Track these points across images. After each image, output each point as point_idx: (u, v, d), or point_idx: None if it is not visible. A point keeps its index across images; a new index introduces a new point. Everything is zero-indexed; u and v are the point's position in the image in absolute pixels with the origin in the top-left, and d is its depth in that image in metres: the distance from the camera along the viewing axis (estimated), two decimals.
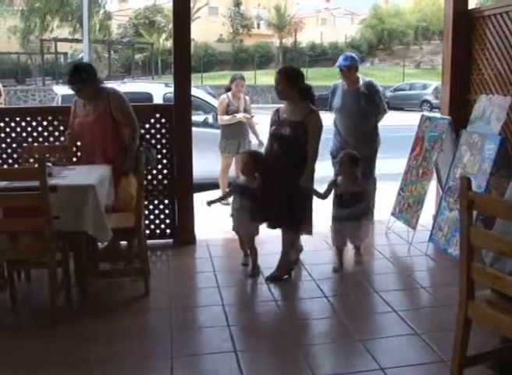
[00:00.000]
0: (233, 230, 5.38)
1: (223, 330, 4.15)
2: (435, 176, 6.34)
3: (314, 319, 4.41)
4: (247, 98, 8.50)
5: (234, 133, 8.17)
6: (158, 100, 9.82)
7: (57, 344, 3.99)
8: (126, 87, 9.96)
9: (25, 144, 5.68)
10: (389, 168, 10.59)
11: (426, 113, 6.74)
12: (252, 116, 8.40)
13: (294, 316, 4.45)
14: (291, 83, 4.97)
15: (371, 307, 4.58)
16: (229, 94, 8.28)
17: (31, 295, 4.94)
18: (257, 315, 4.56)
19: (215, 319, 4.34)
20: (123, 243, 5.40)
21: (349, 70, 6.48)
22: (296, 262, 5.34)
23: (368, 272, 5.36)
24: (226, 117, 8.13)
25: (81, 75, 5.09)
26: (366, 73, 42.10)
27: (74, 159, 5.61)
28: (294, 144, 4.94)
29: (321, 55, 49.16)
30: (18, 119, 5.87)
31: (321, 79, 40.11)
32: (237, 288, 5.06)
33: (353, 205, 5.28)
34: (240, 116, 8.17)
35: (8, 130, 5.87)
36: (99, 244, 5.07)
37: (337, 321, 4.31)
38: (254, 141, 8.41)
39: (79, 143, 5.56)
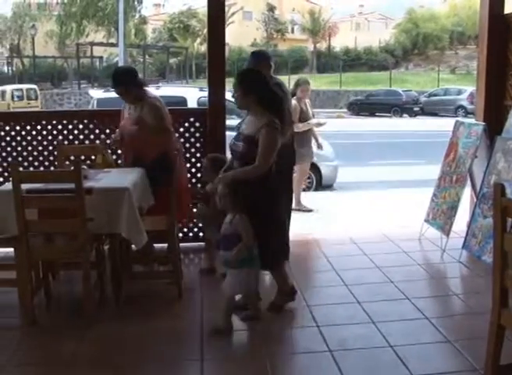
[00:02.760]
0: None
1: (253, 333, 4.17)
2: (469, 182, 6.27)
3: (346, 324, 4.40)
4: (308, 101, 8.27)
5: (306, 140, 7.95)
6: (192, 104, 9.88)
7: (90, 344, 4.05)
8: (160, 91, 10.05)
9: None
10: (422, 174, 10.55)
11: (460, 119, 6.68)
12: (325, 122, 8.28)
13: (324, 321, 4.43)
14: (246, 91, 4.26)
15: (402, 313, 4.54)
16: (296, 99, 7.89)
17: (65, 296, 5.00)
18: (285, 319, 4.56)
19: (247, 322, 4.37)
20: (158, 246, 5.45)
21: None
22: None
23: (400, 278, 5.32)
24: (301, 124, 7.78)
25: (122, 79, 5.17)
26: (401, 78, 42.05)
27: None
28: (250, 162, 4.20)
29: (355, 60, 48.99)
30: (55, 122, 5.98)
31: (355, 84, 40.03)
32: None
33: None
34: (314, 122, 8.01)
35: (45, 132, 5.97)
36: (133, 246, 5.11)
37: (368, 327, 4.29)
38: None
39: None
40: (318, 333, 4.17)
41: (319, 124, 8.14)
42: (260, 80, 4.34)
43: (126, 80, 5.18)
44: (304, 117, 7.91)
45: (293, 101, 7.89)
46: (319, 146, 8.29)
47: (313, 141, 8.32)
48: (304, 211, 7.98)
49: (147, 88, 5.39)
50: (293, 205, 7.80)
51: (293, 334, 4.30)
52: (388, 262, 5.67)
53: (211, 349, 3.96)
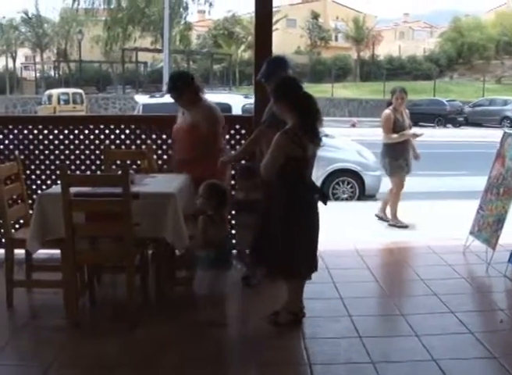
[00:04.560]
0: (236, 247, 5.26)
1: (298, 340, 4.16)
2: None
3: (388, 336, 4.35)
4: (407, 111, 7.97)
5: (402, 152, 7.67)
6: (236, 111, 9.92)
7: (133, 347, 4.09)
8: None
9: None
10: (465, 185, 10.40)
11: (508, 130, 6.58)
12: (422, 134, 7.98)
13: (367, 332, 4.39)
14: (277, 98, 4.35)
15: (446, 327, 4.47)
16: (391, 108, 7.72)
17: (109, 299, 5.06)
18: (326, 328, 4.54)
19: (290, 329, 4.36)
20: None
21: None
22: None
23: (444, 291, 5.24)
24: (395, 135, 7.58)
25: (177, 83, 5.19)
26: (445, 88, 41.58)
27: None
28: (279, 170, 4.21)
29: (398, 69, 48.62)
30: (102, 126, 6.06)
31: None
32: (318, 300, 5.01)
33: None
34: (410, 133, 7.71)
35: (92, 137, 6.06)
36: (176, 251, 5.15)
37: (411, 339, 4.24)
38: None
39: None
40: (360, 344, 4.13)
41: (415, 135, 7.79)
42: (290, 87, 4.34)
43: (182, 85, 5.18)
44: (398, 127, 7.63)
45: (386, 111, 7.78)
46: (416, 156, 7.89)
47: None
48: (398, 227, 7.66)
49: (203, 94, 5.36)
50: (390, 220, 7.81)
51: (334, 344, 4.27)
52: (432, 274, 5.59)
53: (248, 354, 3.97)
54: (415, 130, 7.87)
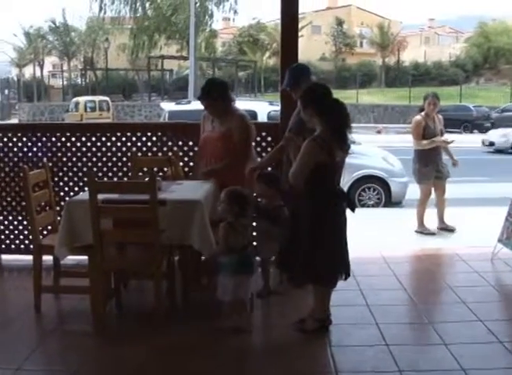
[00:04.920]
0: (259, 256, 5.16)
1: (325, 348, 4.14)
2: None
3: (416, 344, 4.31)
4: (441, 117, 7.86)
5: (432, 158, 7.56)
6: (262, 118, 9.92)
7: (159, 354, 4.09)
8: None
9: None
10: (492, 192, 10.27)
11: None
12: (452, 141, 7.76)
13: (394, 340, 4.34)
14: (304, 105, 4.32)
15: (474, 335, 4.41)
16: (423, 114, 7.65)
17: (136, 305, 5.08)
18: (352, 336, 4.51)
19: (316, 336, 4.34)
20: None
21: None
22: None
23: (472, 299, 5.18)
24: (425, 142, 7.48)
25: (210, 91, 5.19)
26: (471, 94, 41.23)
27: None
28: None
29: (424, 75, 48.32)
30: (129, 134, 6.10)
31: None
32: (344, 307, 4.99)
33: None
34: (440, 139, 7.58)
35: (119, 144, 6.11)
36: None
37: (439, 348, 4.19)
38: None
39: None
40: (387, 352, 4.09)
41: (446, 142, 7.65)
42: (319, 93, 4.30)
43: (217, 93, 5.18)
44: (429, 134, 7.53)
45: (417, 117, 7.71)
46: (454, 163, 7.77)
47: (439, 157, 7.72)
48: (425, 234, 7.55)
49: (233, 102, 5.37)
50: (416, 226, 7.69)
51: (361, 352, 4.24)
52: (460, 282, 5.53)
53: (273, 362, 3.96)
54: (446, 136, 7.75)
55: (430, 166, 7.55)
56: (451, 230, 7.63)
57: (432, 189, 7.73)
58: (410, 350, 4.20)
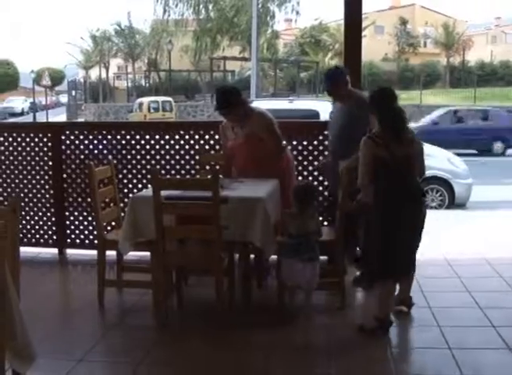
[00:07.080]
0: None
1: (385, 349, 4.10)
2: None
3: (480, 349, 4.21)
4: None
5: None
6: (324, 117, 9.84)
7: (220, 349, 4.13)
8: (293, 104, 10.16)
9: (197, 157, 5.99)
10: None
11: None
12: None
13: (457, 344, 4.23)
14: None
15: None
16: None
17: (196, 301, 5.13)
18: (414, 338, 4.44)
19: (376, 337, 4.30)
20: None
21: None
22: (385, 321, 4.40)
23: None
24: None
25: (228, 99, 5.22)
26: None
27: None
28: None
29: (490, 75, 47.13)
30: (192, 132, 6.17)
31: (490, 99, 38.51)
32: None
33: None
34: None
35: (182, 142, 6.18)
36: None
37: (505, 353, 4.08)
38: None
39: None
40: (450, 356, 4.00)
41: None
42: (380, 98, 4.42)
43: (234, 99, 5.23)
44: None
45: None
46: None
47: None
48: None
49: (249, 104, 5.46)
50: None
51: (422, 355, 4.16)
52: None
53: (332, 362, 3.96)
54: None
55: None
56: None
57: None
58: (474, 354, 4.09)
